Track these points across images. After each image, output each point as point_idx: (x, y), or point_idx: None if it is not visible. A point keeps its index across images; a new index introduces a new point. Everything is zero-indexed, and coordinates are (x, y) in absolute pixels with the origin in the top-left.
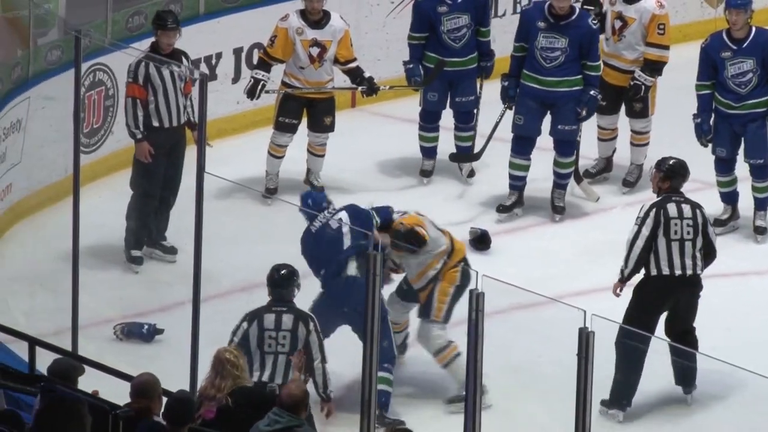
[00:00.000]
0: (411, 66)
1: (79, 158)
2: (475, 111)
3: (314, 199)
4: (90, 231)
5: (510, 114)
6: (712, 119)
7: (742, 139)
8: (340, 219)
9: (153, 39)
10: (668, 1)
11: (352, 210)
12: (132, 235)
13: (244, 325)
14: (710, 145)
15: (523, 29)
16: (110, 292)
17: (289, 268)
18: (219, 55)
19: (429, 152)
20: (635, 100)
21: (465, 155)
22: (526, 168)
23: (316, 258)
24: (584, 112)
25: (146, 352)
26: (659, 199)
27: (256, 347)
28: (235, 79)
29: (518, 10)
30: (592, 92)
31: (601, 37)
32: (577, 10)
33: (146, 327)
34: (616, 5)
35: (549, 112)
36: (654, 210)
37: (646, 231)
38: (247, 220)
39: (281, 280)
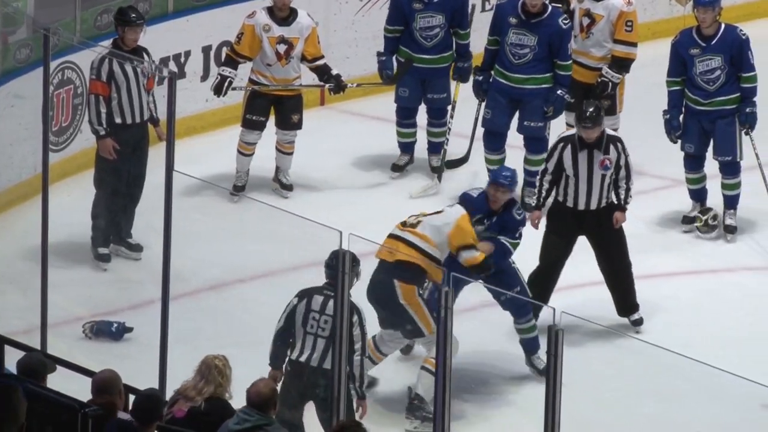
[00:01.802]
0: (384, 58)
1: (48, 156)
2: (448, 108)
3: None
4: (59, 229)
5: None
6: (681, 116)
7: (712, 136)
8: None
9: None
10: None
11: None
12: (99, 233)
13: (294, 300)
14: (679, 141)
15: (497, 24)
16: (79, 290)
17: (350, 255)
18: (188, 53)
19: (405, 147)
20: (603, 98)
21: (457, 161)
22: (500, 162)
23: None
24: (550, 111)
25: (116, 350)
26: (615, 134)
27: (301, 325)
28: (204, 77)
29: (484, 8)
30: (559, 92)
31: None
32: (550, 9)
33: (115, 325)
34: (584, 2)
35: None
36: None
37: None
38: (217, 218)
39: (332, 265)
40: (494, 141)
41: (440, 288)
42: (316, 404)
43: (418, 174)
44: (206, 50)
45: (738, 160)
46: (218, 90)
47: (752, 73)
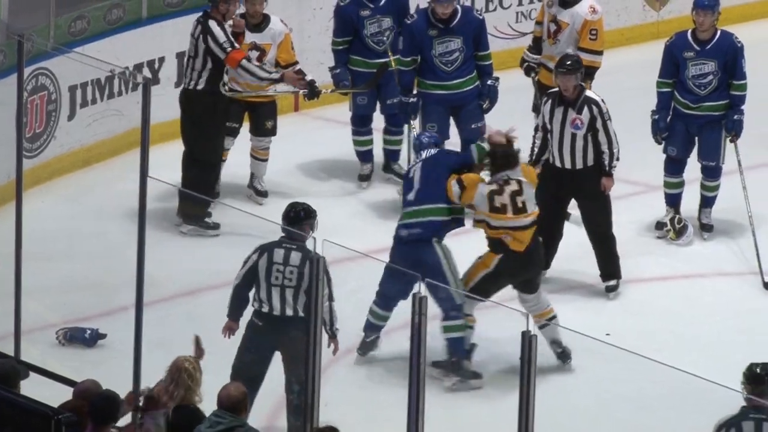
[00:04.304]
0: (338, 71)
1: (21, 163)
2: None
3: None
4: (33, 236)
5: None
6: (669, 118)
7: (696, 141)
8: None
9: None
10: (610, 4)
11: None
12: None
13: (254, 256)
14: (663, 144)
15: (415, 42)
16: (53, 296)
17: (305, 206)
18: (162, 60)
19: (365, 156)
20: None
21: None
22: None
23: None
24: (487, 103)
25: (90, 357)
26: (594, 97)
27: (264, 279)
28: (178, 83)
29: None
30: (489, 82)
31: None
32: (460, 8)
33: (88, 332)
34: (552, 8)
35: (453, 114)
36: None
37: None
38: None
39: (294, 218)
40: None
41: None
42: (285, 354)
43: (392, 181)
44: (180, 56)
45: (721, 164)
46: None
47: (743, 82)
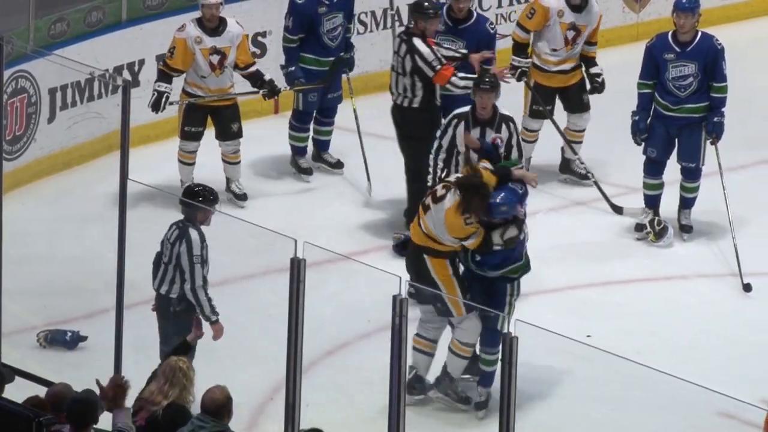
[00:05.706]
0: (293, 69)
1: (1, 165)
2: (338, 106)
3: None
4: (13, 238)
5: None
6: (649, 119)
7: (676, 143)
8: None
9: (411, 25)
10: None
11: None
12: None
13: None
14: (642, 145)
15: None
16: (34, 299)
17: (200, 188)
18: (141, 62)
19: (302, 150)
20: (590, 92)
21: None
22: None
23: None
24: None
25: (70, 359)
26: (507, 114)
27: (162, 252)
28: None
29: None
30: None
31: (544, 49)
32: (475, 14)
33: (69, 334)
34: (564, 17)
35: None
36: None
37: None
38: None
39: (184, 195)
40: None
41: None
42: None
43: (360, 175)
44: (160, 59)
45: (701, 166)
46: (156, 106)
47: (724, 84)
